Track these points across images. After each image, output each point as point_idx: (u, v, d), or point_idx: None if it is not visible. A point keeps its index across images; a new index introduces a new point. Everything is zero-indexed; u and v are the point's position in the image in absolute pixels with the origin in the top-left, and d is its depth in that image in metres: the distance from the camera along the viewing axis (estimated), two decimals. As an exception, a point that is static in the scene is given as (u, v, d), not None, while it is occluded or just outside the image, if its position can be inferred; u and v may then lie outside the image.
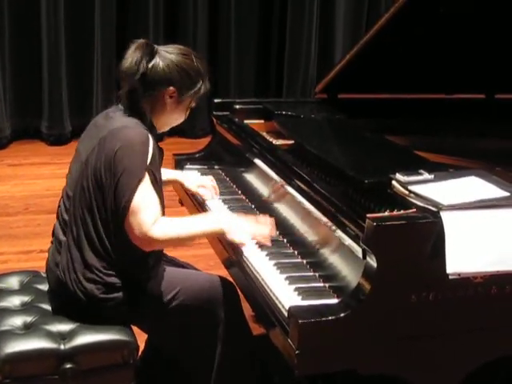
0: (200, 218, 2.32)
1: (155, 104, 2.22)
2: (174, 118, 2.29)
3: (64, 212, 2.22)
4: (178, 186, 2.83)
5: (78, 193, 2.16)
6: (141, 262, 2.17)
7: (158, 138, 2.31)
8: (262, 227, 2.27)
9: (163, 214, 2.16)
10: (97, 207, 2.13)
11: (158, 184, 2.15)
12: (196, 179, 2.75)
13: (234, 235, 2.22)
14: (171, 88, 2.21)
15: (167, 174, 2.66)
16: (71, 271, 2.16)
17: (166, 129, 2.34)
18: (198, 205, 2.72)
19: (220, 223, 2.24)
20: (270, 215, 2.35)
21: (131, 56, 2.17)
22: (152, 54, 2.19)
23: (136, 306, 2.18)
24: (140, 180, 2.08)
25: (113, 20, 5.90)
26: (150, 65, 2.17)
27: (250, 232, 2.24)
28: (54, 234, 2.29)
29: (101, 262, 2.14)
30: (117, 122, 2.17)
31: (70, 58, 5.84)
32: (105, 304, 2.15)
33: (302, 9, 6.35)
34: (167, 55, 2.21)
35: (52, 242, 2.29)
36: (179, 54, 2.23)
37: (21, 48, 5.76)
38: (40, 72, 5.77)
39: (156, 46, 2.22)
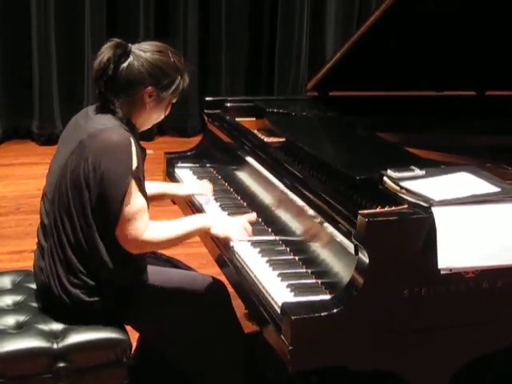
0: (187, 218, 2.35)
1: (134, 104, 2.16)
2: (154, 117, 2.25)
3: (45, 216, 2.20)
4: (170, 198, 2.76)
5: (57, 197, 2.13)
6: (125, 266, 2.14)
7: (143, 137, 2.28)
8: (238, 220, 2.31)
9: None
10: (75, 212, 2.09)
11: (142, 186, 2.12)
12: (193, 185, 2.74)
13: (217, 230, 2.23)
14: (150, 88, 2.15)
15: (155, 188, 2.58)
16: (55, 276, 2.13)
17: (147, 127, 2.30)
18: (196, 210, 2.65)
19: (205, 219, 2.28)
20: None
21: (101, 56, 2.11)
22: (126, 54, 2.12)
23: (124, 306, 2.17)
24: (127, 187, 2.04)
25: (103, 19, 5.88)
26: (124, 65, 2.11)
27: (234, 226, 2.26)
28: (37, 236, 2.26)
29: (84, 265, 2.11)
30: (96, 123, 2.12)
31: (60, 58, 5.82)
32: (91, 307, 2.13)
33: (292, 7, 6.35)
34: (142, 54, 2.14)
35: (37, 244, 2.27)
36: (155, 52, 2.16)
37: (11, 47, 5.73)
38: (30, 71, 5.75)
39: (130, 45, 2.15)
